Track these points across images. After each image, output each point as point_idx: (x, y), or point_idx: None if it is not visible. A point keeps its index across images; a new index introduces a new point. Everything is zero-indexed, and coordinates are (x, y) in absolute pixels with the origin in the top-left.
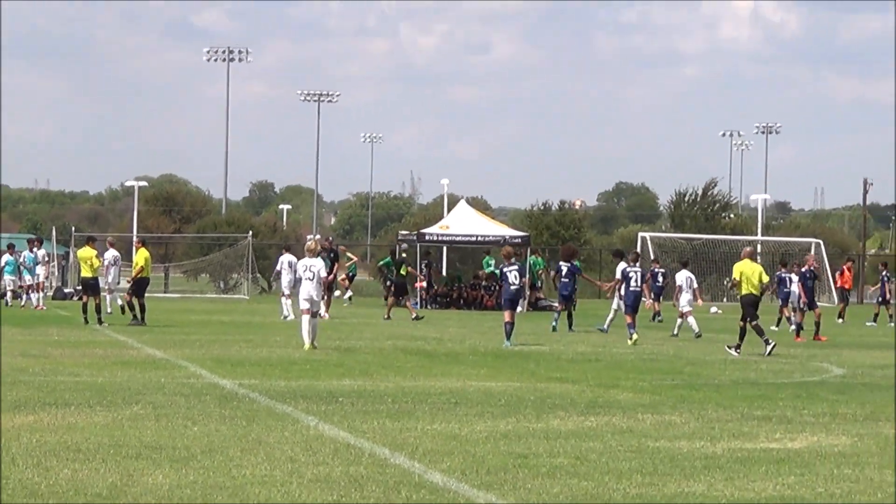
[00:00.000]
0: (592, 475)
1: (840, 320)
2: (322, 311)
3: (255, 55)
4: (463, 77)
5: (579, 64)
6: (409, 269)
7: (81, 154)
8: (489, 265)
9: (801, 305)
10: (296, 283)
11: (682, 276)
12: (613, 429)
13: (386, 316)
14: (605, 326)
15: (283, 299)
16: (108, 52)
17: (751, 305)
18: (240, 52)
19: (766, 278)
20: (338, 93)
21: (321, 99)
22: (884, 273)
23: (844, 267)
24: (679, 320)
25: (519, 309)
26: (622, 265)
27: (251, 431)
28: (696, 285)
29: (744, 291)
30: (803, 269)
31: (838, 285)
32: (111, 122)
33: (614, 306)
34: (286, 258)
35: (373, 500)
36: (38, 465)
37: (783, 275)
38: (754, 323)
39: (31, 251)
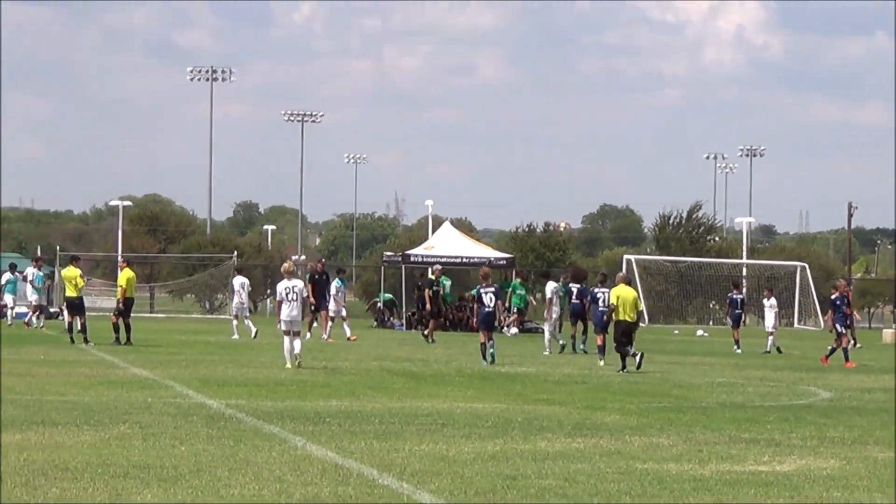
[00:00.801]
0: (581, 497)
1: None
2: (324, 334)
3: (238, 75)
4: (447, 99)
5: (563, 86)
6: (428, 292)
7: (66, 173)
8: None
9: (841, 330)
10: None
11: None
12: (601, 451)
13: (431, 339)
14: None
15: (234, 321)
16: (92, 73)
17: (624, 332)
18: (223, 71)
19: (640, 305)
20: (321, 113)
21: (305, 119)
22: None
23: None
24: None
25: (504, 330)
26: (551, 285)
27: (239, 451)
28: None
29: (620, 317)
30: (833, 296)
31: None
32: (95, 142)
33: (547, 329)
34: (239, 280)
35: None
36: (26, 483)
37: (734, 297)
38: (620, 348)
39: (38, 270)
